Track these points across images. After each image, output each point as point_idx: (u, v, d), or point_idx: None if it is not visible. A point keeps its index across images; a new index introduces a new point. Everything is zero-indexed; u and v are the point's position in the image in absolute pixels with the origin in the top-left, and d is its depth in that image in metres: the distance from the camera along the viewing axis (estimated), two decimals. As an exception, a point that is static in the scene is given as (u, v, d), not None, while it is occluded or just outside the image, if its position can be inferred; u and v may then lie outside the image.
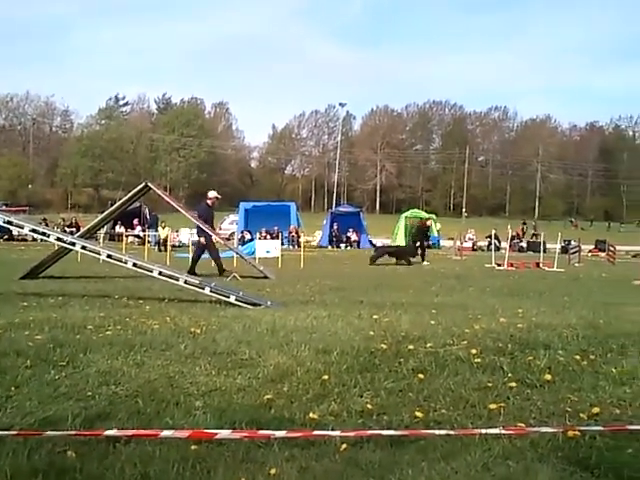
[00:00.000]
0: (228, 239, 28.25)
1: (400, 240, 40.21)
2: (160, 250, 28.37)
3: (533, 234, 42.35)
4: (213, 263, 15.67)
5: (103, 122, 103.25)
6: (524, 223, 51.49)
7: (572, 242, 31.49)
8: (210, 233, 15.99)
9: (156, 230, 33.15)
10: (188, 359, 5.10)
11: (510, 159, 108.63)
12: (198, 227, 16.05)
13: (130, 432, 3.39)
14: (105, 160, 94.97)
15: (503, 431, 3.45)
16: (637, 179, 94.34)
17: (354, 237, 38.25)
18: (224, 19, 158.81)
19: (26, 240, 32.43)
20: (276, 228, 34.45)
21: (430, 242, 26.64)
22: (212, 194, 16.86)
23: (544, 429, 3.50)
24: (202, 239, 15.81)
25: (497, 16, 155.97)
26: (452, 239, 42.86)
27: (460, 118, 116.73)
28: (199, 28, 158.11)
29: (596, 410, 3.87)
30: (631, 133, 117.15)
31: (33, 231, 10.94)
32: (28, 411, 3.82)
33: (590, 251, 38.05)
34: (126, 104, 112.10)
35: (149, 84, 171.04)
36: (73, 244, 10.58)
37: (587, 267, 23.29)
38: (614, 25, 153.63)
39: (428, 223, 26.40)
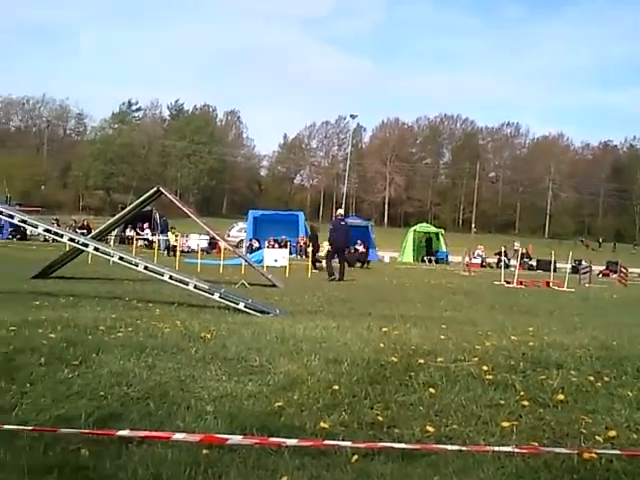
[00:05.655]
0: (237, 246, 28.29)
1: (408, 254, 40.23)
2: (169, 255, 28.43)
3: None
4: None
5: (116, 126, 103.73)
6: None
7: (583, 262, 31.34)
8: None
9: (166, 235, 33.23)
10: (199, 363, 5.09)
11: (521, 176, 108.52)
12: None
13: (142, 433, 3.38)
14: (117, 164, 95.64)
15: (516, 449, 3.39)
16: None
17: (362, 249, 38.15)
18: (239, 27, 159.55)
19: (38, 239, 32.63)
20: (284, 237, 34.40)
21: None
22: (339, 212, 21.92)
23: (558, 450, 3.43)
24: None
25: (512, 32, 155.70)
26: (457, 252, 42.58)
27: (471, 133, 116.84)
28: (214, 35, 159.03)
29: (612, 433, 3.79)
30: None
31: (47, 231, 10.99)
32: (42, 408, 3.84)
33: (601, 272, 37.81)
34: (139, 109, 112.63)
35: (162, 90, 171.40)
36: (86, 245, 10.63)
37: (598, 288, 23.16)
38: (630, 44, 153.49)
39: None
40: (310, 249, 23.86)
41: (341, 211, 22.59)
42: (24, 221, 11.09)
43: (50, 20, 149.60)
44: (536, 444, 3.58)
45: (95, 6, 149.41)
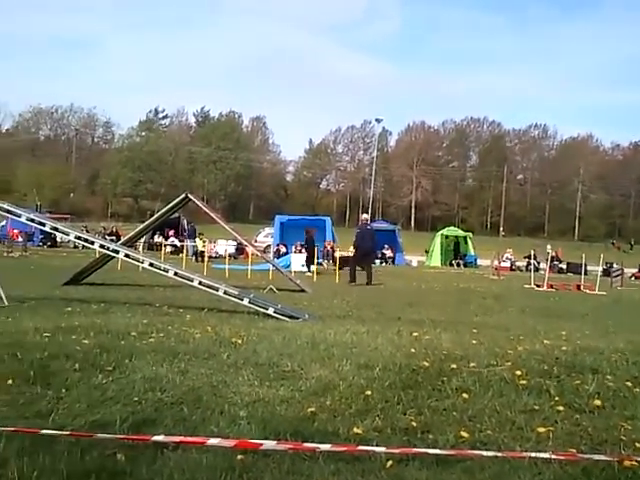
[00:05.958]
0: (264, 251, 28.35)
1: (436, 258, 40.03)
2: (197, 261, 28.58)
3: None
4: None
5: (143, 134, 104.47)
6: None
7: (614, 265, 30.92)
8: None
9: (194, 241, 33.44)
10: (231, 369, 5.11)
11: (549, 178, 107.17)
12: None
13: (177, 438, 3.40)
14: (144, 171, 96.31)
15: (553, 456, 3.33)
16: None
17: (389, 253, 38.11)
18: (263, 34, 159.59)
19: (68, 246, 33.06)
20: (311, 242, 34.27)
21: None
22: (364, 216, 22.51)
23: (597, 457, 3.36)
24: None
25: (537, 32, 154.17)
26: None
27: (498, 135, 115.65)
28: (240, 41, 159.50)
29: (654, 440, 3.70)
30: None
31: (78, 238, 11.10)
32: (78, 413, 3.88)
33: (633, 275, 37.23)
34: (165, 117, 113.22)
35: (189, 96, 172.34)
36: (117, 252, 10.72)
37: (630, 291, 22.82)
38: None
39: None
40: (305, 254, 24.59)
41: (366, 216, 23.20)
42: (56, 229, 11.26)
43: (76, 29, 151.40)
44: (574, 450, 3.52)
45: (120, 15, 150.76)
